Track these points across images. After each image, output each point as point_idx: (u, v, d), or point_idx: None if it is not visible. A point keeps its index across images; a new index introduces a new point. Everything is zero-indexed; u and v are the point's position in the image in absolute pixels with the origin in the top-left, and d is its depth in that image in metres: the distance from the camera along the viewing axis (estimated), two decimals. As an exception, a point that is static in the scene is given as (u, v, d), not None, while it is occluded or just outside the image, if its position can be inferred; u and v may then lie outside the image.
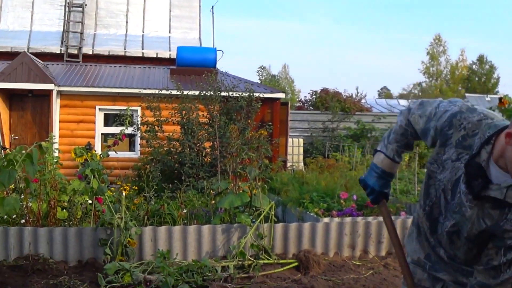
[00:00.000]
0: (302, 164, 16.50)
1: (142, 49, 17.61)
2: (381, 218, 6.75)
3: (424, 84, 59.43)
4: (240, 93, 11.09)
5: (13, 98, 13.25)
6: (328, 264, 5.72)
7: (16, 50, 15.53)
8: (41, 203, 6.11)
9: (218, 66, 15.55)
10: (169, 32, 18.32)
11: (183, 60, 15.29)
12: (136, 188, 8.55)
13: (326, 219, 6.69)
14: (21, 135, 13.19)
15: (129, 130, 8.64)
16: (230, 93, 11.09)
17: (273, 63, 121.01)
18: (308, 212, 7.21)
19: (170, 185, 8.41)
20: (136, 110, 11.93)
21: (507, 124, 1.89)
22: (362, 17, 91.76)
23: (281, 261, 5.66)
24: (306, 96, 25.45)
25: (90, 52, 17.13)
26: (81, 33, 17.08)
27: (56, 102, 12.89)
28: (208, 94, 10.65)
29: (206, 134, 10.29)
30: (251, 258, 5.50)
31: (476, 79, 55.36)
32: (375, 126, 19.93)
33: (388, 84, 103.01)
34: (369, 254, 6.12)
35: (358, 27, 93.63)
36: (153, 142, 10.38)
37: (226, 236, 5.77)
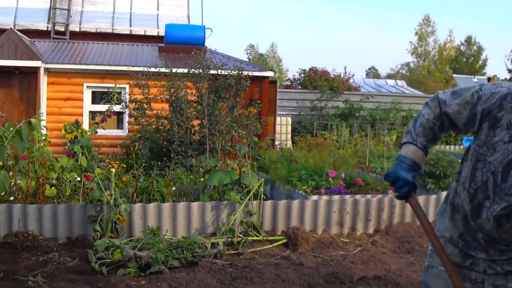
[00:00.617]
0: (290, 142, 16.54)
1: (130, 26, 17.45)
2: (369, 196, 6.83)
3: (412, 65, 59.65)
4: (229, 71, 11.06)
5: (0, 75, 13.10)
6: (316, 241, 5.77)
7: (2, 27, 15.24)
8: (29, 180, 6.10)
9: (206, 44, 15.48)
10: (157, 9, 18.15)
11: (171, 38, 15.19)
12: (125, 166, 8.53)
13: (314, 197, 6.74)
14: (8, 113, 13.07)
15: (117, 108, 8.62)
16: (219, 71, 11.06)
17: (261, 42, 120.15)
18: (296, 190, 7.25)
19: (159, 163, 8.41)
20: (124, 88, 11.83)
21: None
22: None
23: (270, 238, 5.70)
24: (294, 75, 25.41)
25: (77, 29, 16.94)
26: (68, 10, 16.86)
27: (43, 80, 12.76)
28: (197, 72, 10.61)
29: (194, 112, 10.28)
30: (240, 235, 5.54)
31: (464, 60, 55.66)
32: (363, 106, 20.06)
33: (376, 64, 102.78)
34: (357, 231, 6.18)
35: (346, 6, 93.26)
36: (141, 120, 10.35)
37: (215, 213, 5.80)
